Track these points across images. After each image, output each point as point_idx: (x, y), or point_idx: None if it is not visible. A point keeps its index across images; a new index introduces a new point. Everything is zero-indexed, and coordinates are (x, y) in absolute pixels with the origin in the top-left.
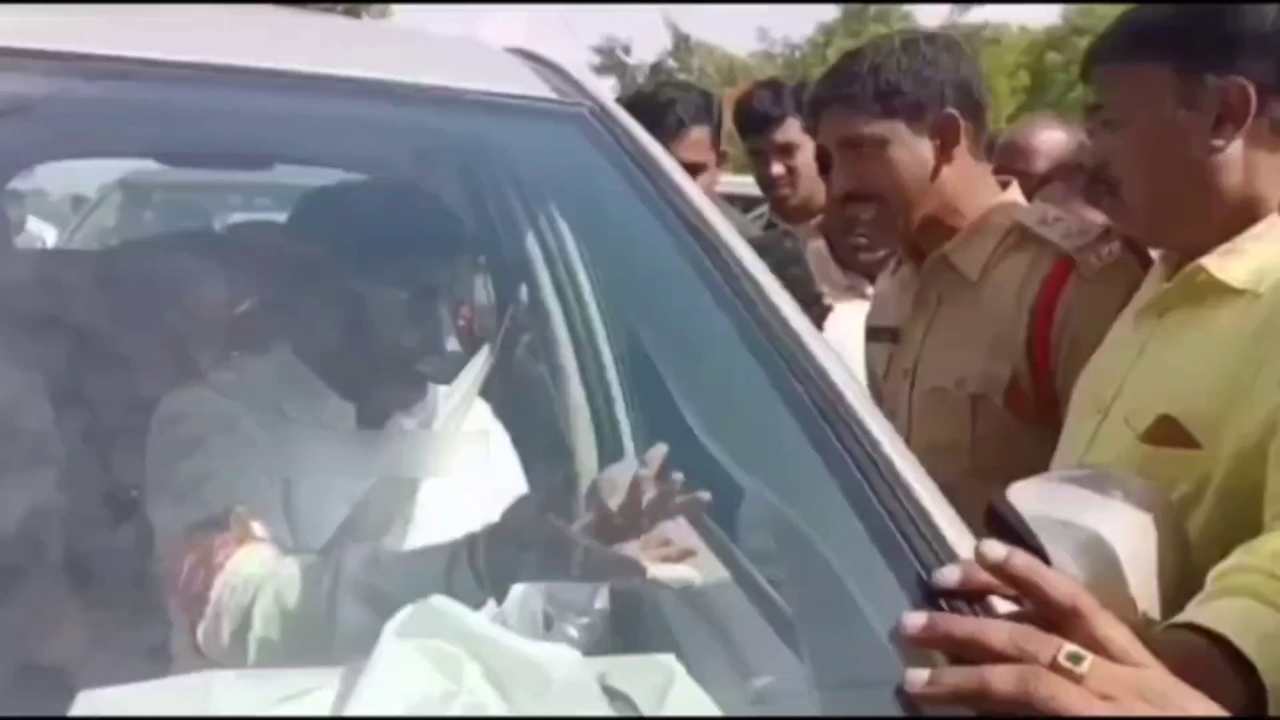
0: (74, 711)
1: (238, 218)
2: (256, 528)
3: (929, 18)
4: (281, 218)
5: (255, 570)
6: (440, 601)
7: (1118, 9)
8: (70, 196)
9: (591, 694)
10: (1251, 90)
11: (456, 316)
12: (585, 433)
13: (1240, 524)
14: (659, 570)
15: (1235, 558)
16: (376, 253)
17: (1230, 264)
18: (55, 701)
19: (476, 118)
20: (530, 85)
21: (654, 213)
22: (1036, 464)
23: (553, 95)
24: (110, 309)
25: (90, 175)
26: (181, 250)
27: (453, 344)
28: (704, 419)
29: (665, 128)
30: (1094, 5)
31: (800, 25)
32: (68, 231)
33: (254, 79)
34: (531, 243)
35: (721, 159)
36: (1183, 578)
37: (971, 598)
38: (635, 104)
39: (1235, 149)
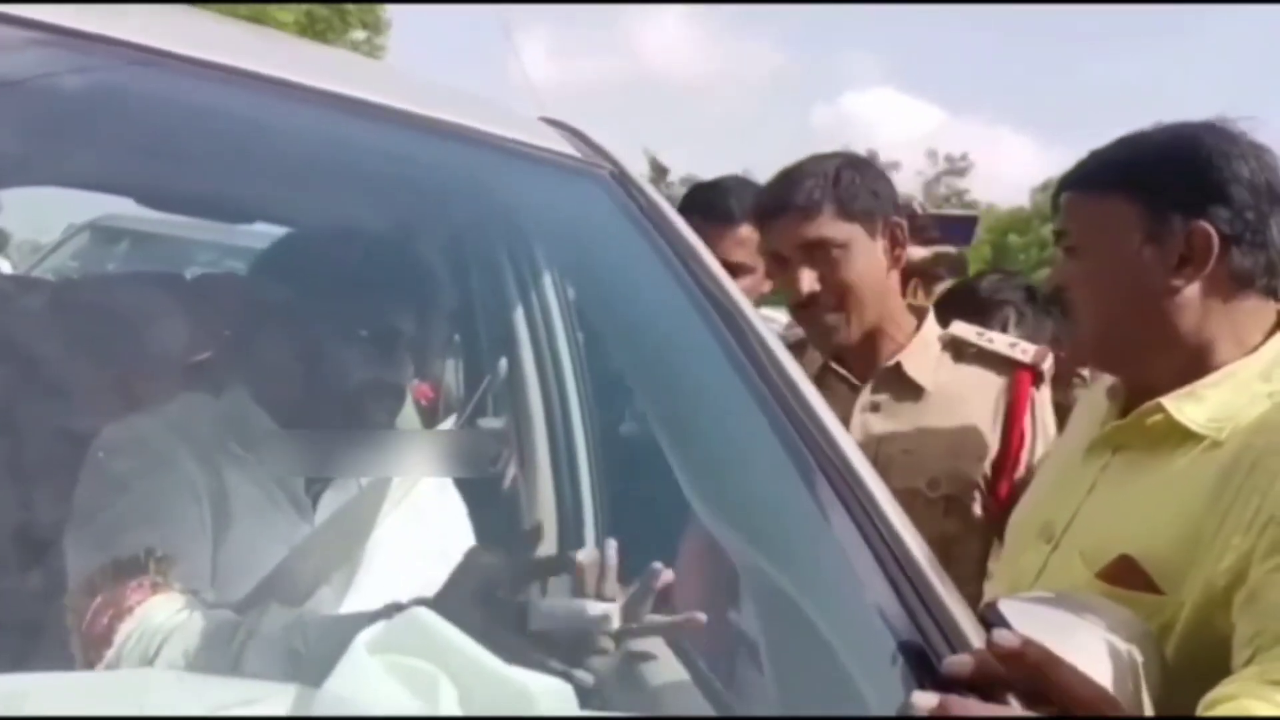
0: None
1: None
2: (176, 574)
3: (906, 180)
4: (237, 273)
5: (164, 620)
6: (423, 614)
7: None
8: (31, 240)
9: None
10: (1215, 236)
11: (416, 374)
12: (548, 516)
13: (1205, 668)
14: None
15: (1222, 687)
16: (338, 301)
17: (1188, 407)
18: None
19: (503, 165)
20: (557, 143)
21: (668, 273)
22: (980, 565)
23: (575, 154)
24: (62, 339)
25: (58, 214)
26: (145, 290)
27: (407, 404)
28: (704, 489)
29: (714, 216)
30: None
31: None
32: (24, 268)
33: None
34: (528, 304)
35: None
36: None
37: (981, 687)
38: (692, 192)
39: (1193, 291)
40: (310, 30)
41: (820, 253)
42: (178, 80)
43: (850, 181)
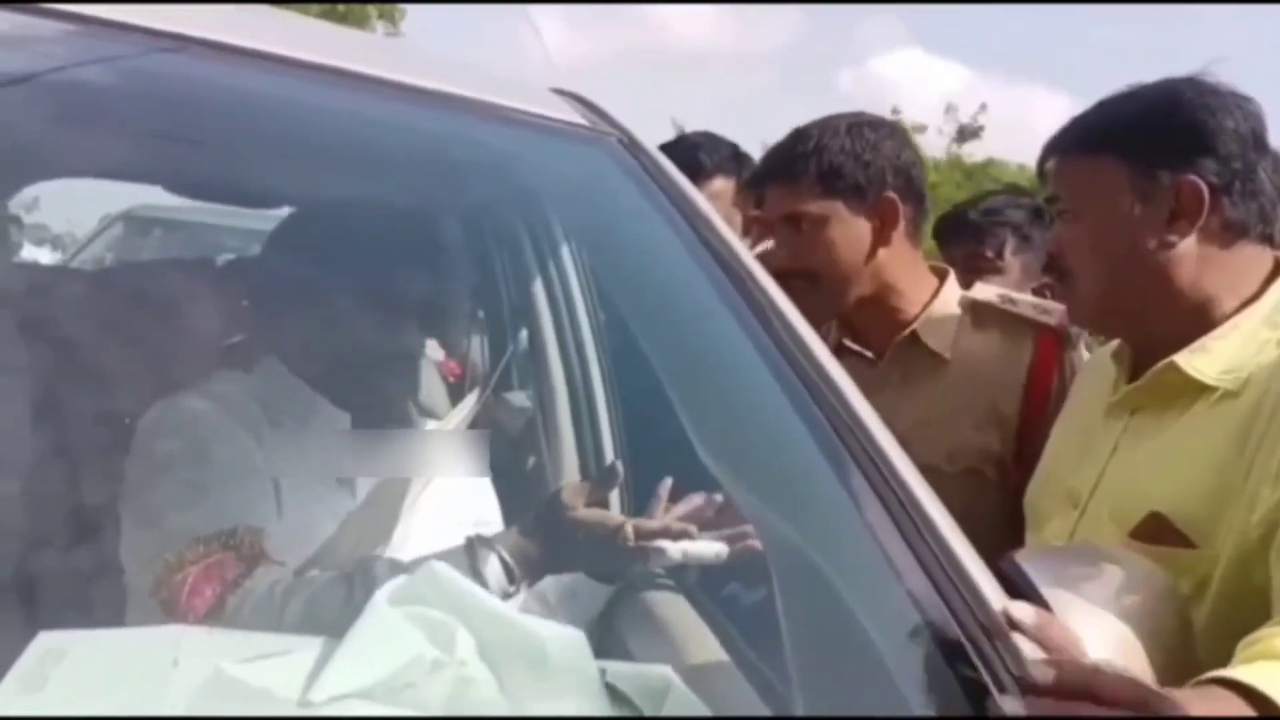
0: (34, 650)
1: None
2: (268, 548)
3: (929, 142)
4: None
5: (268, 589)
6: (438, 567)
7: None
8: (67, 232)
9: (590, 682)
10: (1205, 188)
11: (438, 341)
12: (573, 478)
13: (1242, 621)
14: (685, 548)
15: (1264, 629)
16: (359, 277)
17: (1199, 361)
18: None
19: (509, 135)
20: (565, 113)
21: (679, 239)
22: (1008, 539)
23: (585, 123)
24: (101, 326)
25: (92, 206)
26: (178, 277)
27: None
28: (722, 457)
29: (684, 171)
30: None
31: None
32: (64, 259)
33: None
34: (545, 274)
35: (751, 226)
36: (1187, 659)
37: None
38: (661, 148)
39: (1189, 245)
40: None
41: (798, 226)
42: (193, 65)
43: (838, 151)
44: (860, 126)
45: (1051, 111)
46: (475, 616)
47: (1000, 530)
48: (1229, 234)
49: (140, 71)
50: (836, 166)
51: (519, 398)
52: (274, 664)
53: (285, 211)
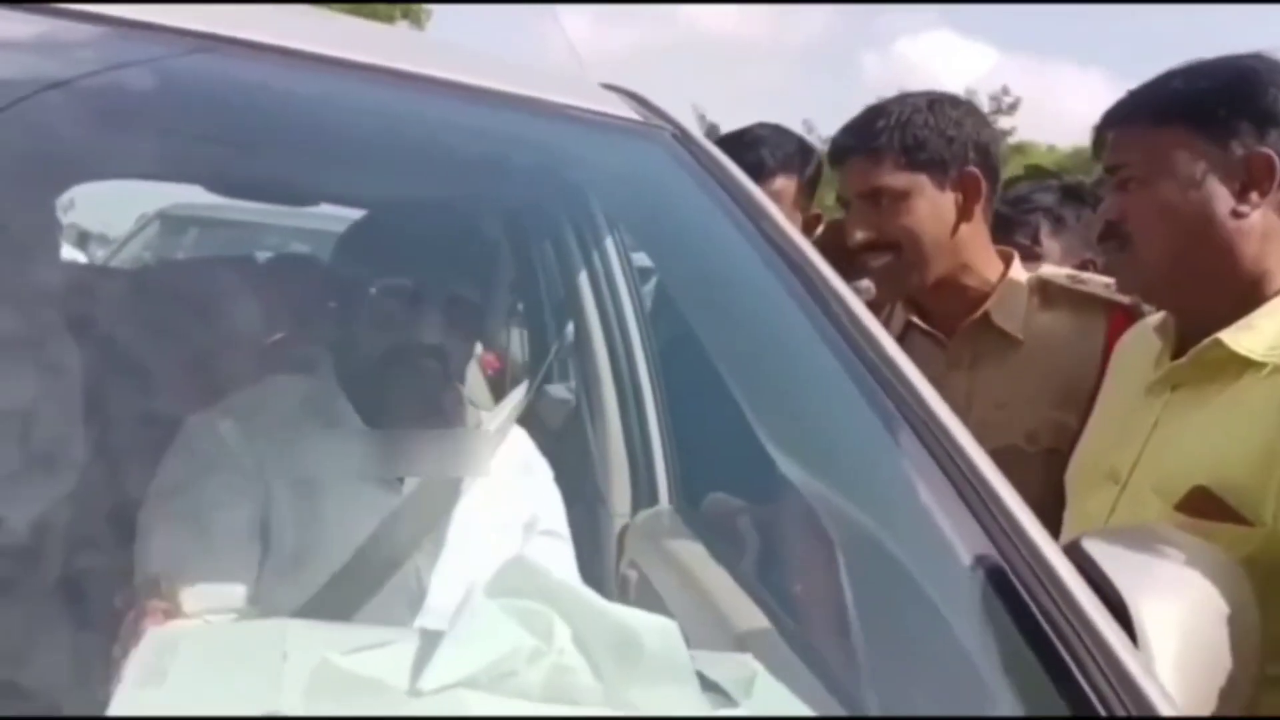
0: (145, 646)
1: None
2: (188, 600)
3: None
4: (313, 255)
5: (158, 654)
6: (531, 560)
7: None
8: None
9: (684, 672)
10: (1277, 161)
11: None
12: (620, 475)
13: None
14: None
15: None
16: (415, 282)
17: (1246, 338)
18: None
19: (564, 132)
20: (617, 108)
21: (737, 230)
22: None
23: (637, 117)
24: (145, 325)
25: (128, 207)
26: (219, 273)
27: (475, 380)
28: (780, 443)
29: (744, 168)
30: None
31: (836, 126)
32: (102, 258)
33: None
34: (592, 270)
35: (814, 224)
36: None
37: None
38: (721, 141)
39: (1256, 218)
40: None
41: (879, 201)
42: (235, 65)
43: (922, 125)
44: (941, 102)
45: (1083, 90)
46: (569, 606)
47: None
48: None
49: (176, 73)
50: (921, 140)
51: (560, 390)
52: (379, 655)
53: (322, 209)
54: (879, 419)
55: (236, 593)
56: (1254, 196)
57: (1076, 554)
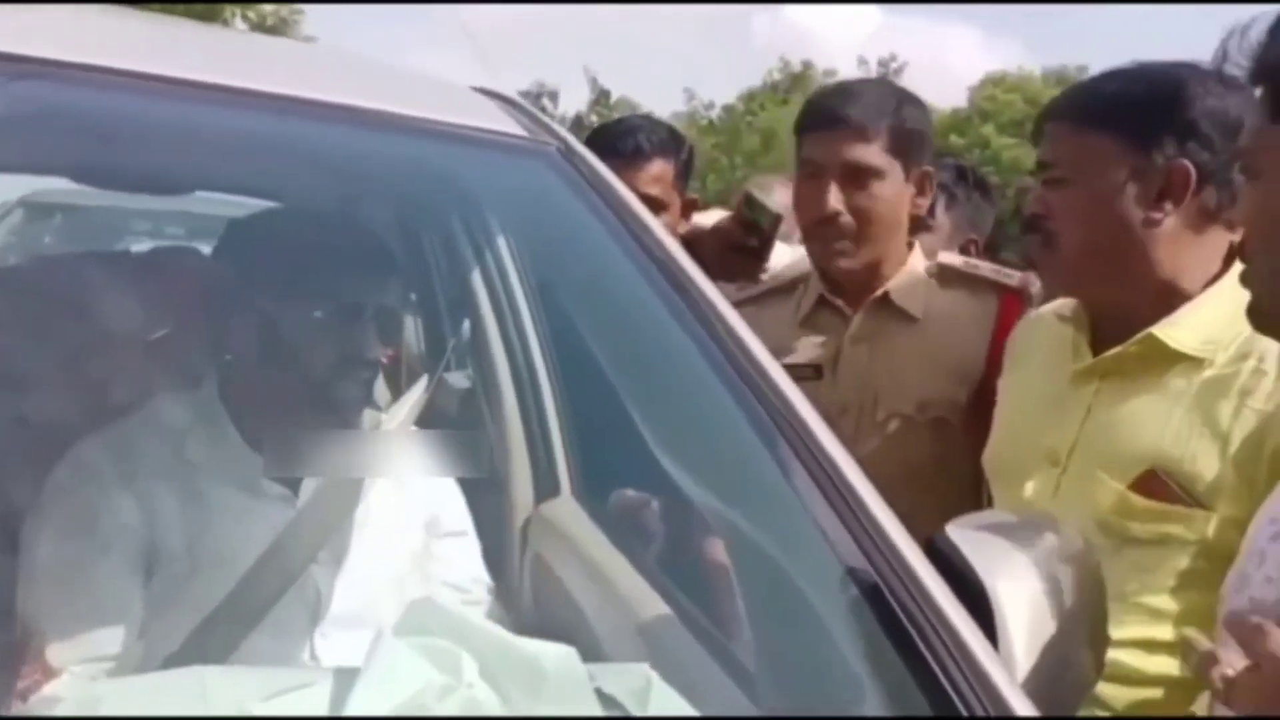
0: (67, 709)
1: (147, 245)
2: (57, 654)
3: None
4: (193, 247)
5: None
6: (435, 600)
7: (1018, 95)
8: None
9: (584, 691)
10: (1193, 173)
11: (382, 353)
12: (521, 468)
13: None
14: None
15: None
16: (301, 283)
17: (1176, 334)
18: None
19: (444, 149)
20: (499, 122)
21: (619, 248)
22: (970, 482)
23: (522, 133)
24: (18, 326)
25: None
26: (95, 269)
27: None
28: (669, 453)
29: (623, 155)
30: (999, 93)
31: (726, 90)
32: None
33: (196, 94)
34: (486, 273)
35: (689, 208)
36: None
37: None
38: (597, 132)
39: (1169, 224)
40: None
41: (858, 177)
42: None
43: (909, 118)
44: (915, 100)
45: (966, 49)
46: (475, 641)
47: (954, 475)
48: (1203, 218)
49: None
50: (906, 130)
51: (459, 378)
52: (296, 698)
53: (196, 194)
54: (751, 425)
55: (112, 638)
56: (1168, 205)
57: (942, 542)
